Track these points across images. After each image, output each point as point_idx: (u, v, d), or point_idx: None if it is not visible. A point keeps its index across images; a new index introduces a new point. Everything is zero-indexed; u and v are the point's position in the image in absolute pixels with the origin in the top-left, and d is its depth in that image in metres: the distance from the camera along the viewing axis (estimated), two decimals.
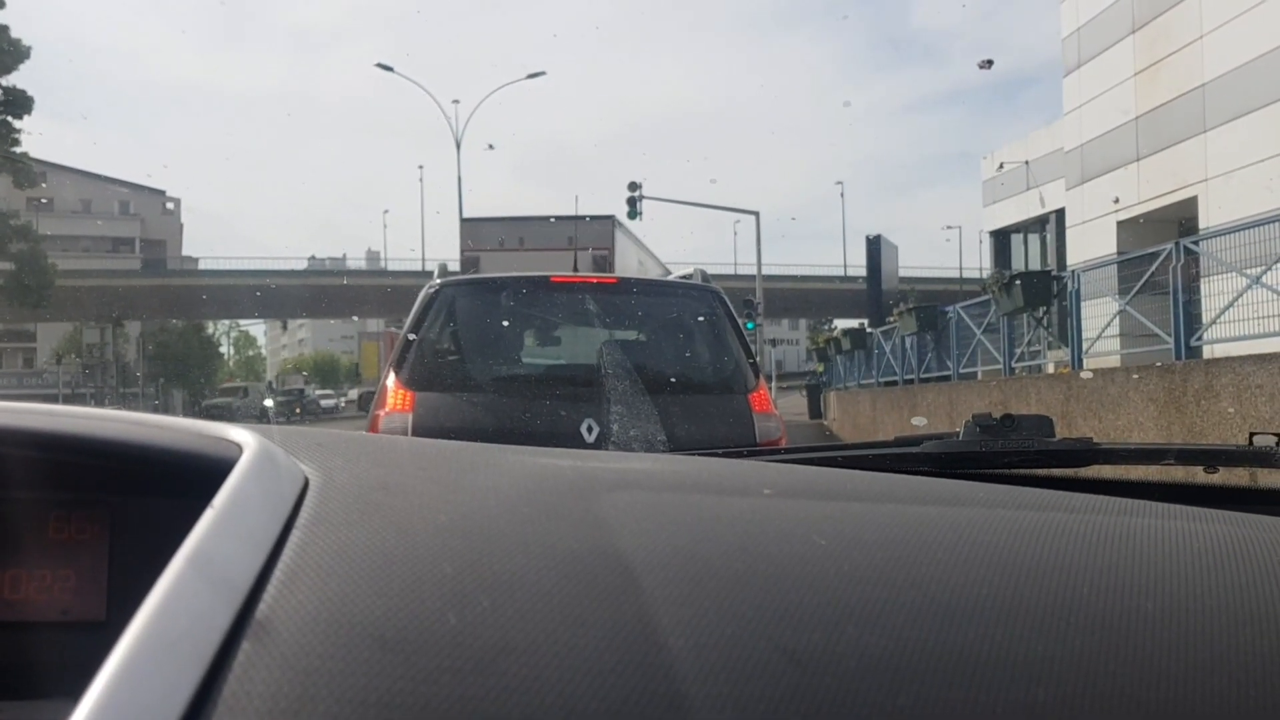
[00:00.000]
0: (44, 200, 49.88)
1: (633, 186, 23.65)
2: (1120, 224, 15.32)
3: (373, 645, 0.40)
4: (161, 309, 49.57)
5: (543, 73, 46.42)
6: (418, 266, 49.30)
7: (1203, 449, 1.16)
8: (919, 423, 12.66)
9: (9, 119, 29.45)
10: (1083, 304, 10.76)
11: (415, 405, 3.66)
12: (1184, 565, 0.54)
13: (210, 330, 62.17)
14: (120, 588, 0.66)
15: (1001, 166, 22.54)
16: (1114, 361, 10.31)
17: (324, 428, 0.81)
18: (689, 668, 0.41)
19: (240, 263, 57.28)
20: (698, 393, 4.04)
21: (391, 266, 61.18)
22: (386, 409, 3.70)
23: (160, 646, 0.38)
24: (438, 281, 4.17)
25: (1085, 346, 10.61)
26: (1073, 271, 11.87)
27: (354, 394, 43.92)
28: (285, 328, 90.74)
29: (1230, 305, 8.36)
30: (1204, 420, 7.24)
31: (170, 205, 65.79)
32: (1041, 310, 11.94)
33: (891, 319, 17.54)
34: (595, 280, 4.54)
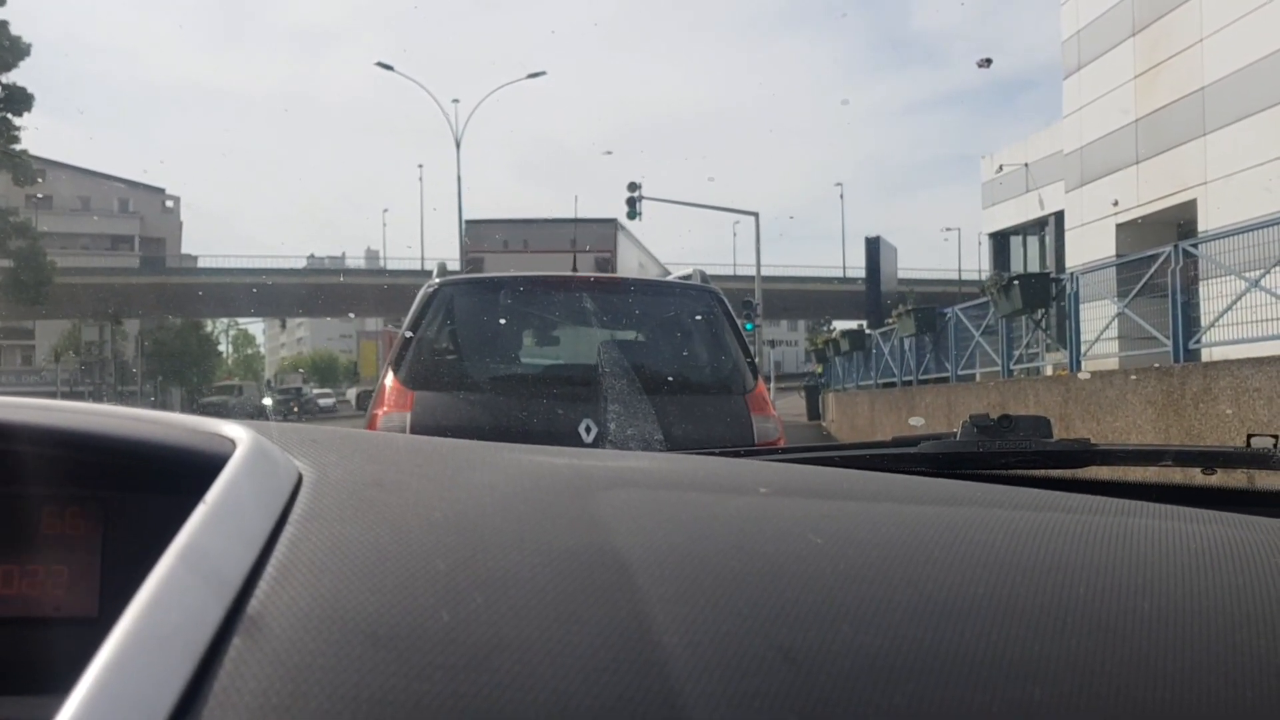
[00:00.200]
0: (42, 197, 49.86)
1: (632, 187, 23.67)
2: (1119, 226, 15.33)
3: (365, 641, 0.40)
4: (160, 307, 49.58)
5: (543, 72, 46.51)
6: (417, 265, 49.38)
7: (1200, 451, 1.16)
8: (917, 423, 12.67)
9: (8, 116, 29.45)
10: (1081, 306, 10.77)
11: (414, 404, 3.65)
12: (1181, 566, 0.54)
13: (209, 328, 62.18)
14: (113, 583, 0.65)
15: (1001, 168, 22.56)
16: (1112, 364, 10.32)
17: (321, 425, 0.81)
18: (684, 665, 0.41)
19: (239, 261, 57.46)
20: (695, 393, 4.03)
21: (390, 265, 61.30)
22: (385, 408, 3.69)
23: (151, 642, 0.38)
24: (436, 281, 4.16)
25: (1084, 349, 10.62)
26: (1071, 274, 11.89)
27: (352, 393, 44.00)
28: (284, 326, 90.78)
29: (1229, 308, 8.37)
30: (1202, 422, 7.25)
31: (169, 203, 65.83)
32: (1040, 312, 11.95)
33: (890, 320, 17.55)
34: (594, 280, 4.54)
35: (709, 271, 4.91)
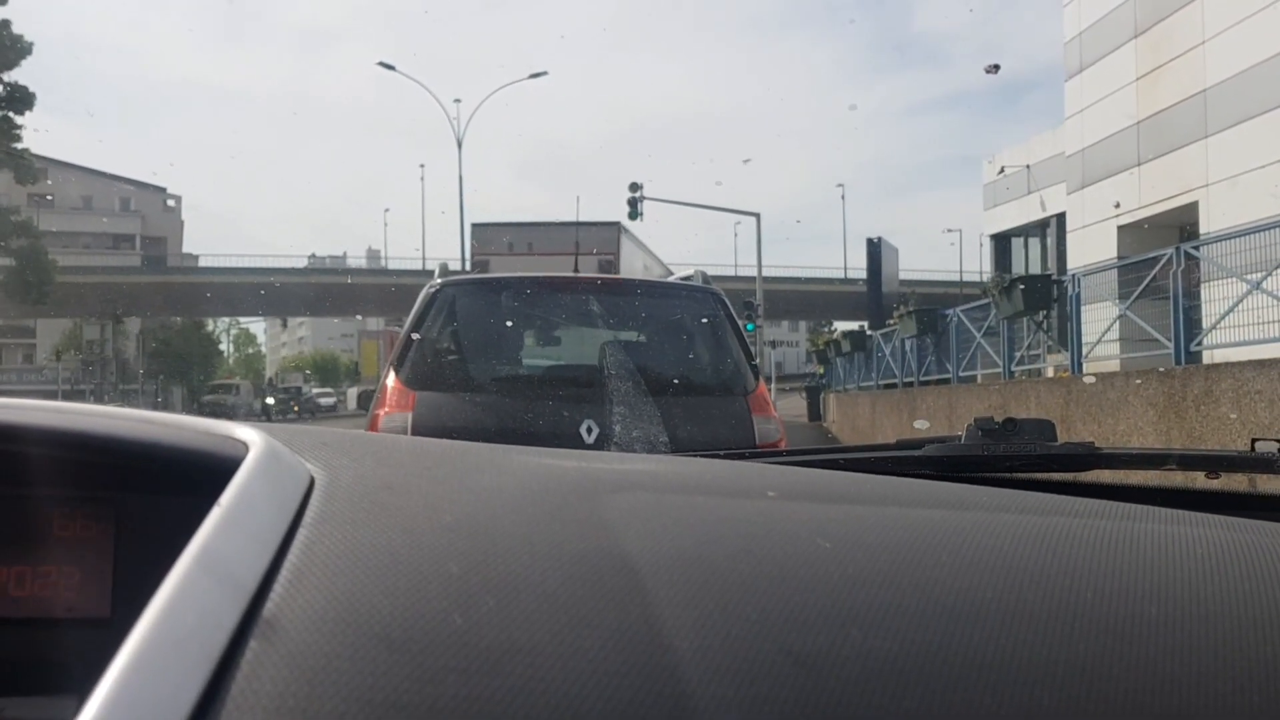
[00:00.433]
0: (47, 197, 49.91)
1: (634, 187, 23.66)
2: (1121, 229, 15.32)
3: (379, 645, 0.40)
4: (162, 306, 49.63)
5: (544, 72, 46.47)
6: (418, 265, 49.37)
7: (1204, 454, 1.16)
8: (921, 426, 12.66)
9: (10, 114, 29.46)
10: (1083, 308, 10.76)
11: (415, 404, 3.66)
12: (1186, 570, 0.55)
13: (210, 328, 62.22)
14: (125, 585, 0.66)
15: (1003, 170, 22.54)
16: (1114, 366, 10.31)
17: (323, 426, 0.81)
18: (694, 669, 0.41)
19: (241, 260, 57.43)
20: (697, 394, 4.03)
21: (392, 265, 61.28)
22: (386, 408, 3.70)
23: (168, 644, 0.38)
24: (438, 281, 4.16)
25: (1085, 351, 10.61)
26: (1073, 276, 11.87)
27: (353, 392, 44.07)
28: (285, 326, 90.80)
29: (1230, 310, 8.37)
30: (1204, 425, 7.24)
31: (171, 202, 65.85)
32: (1041, 314, 11.94)
33: (892, 321, 17.54)
34: (595, 281, 4.54)
35: (710, 272, 4.91)
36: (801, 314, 66.25)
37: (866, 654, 0.43)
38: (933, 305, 16.58)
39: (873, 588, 0.49)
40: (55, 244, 39.40)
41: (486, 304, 4.29)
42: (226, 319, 71.30)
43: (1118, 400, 8.44)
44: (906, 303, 17.41)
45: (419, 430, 3.55)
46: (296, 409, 46.06)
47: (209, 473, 0.55)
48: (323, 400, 54.85)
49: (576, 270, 5.08)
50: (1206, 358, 8.66)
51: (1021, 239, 22.54)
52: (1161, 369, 8.27)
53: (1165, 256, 9.05)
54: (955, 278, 52.02)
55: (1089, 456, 1.13)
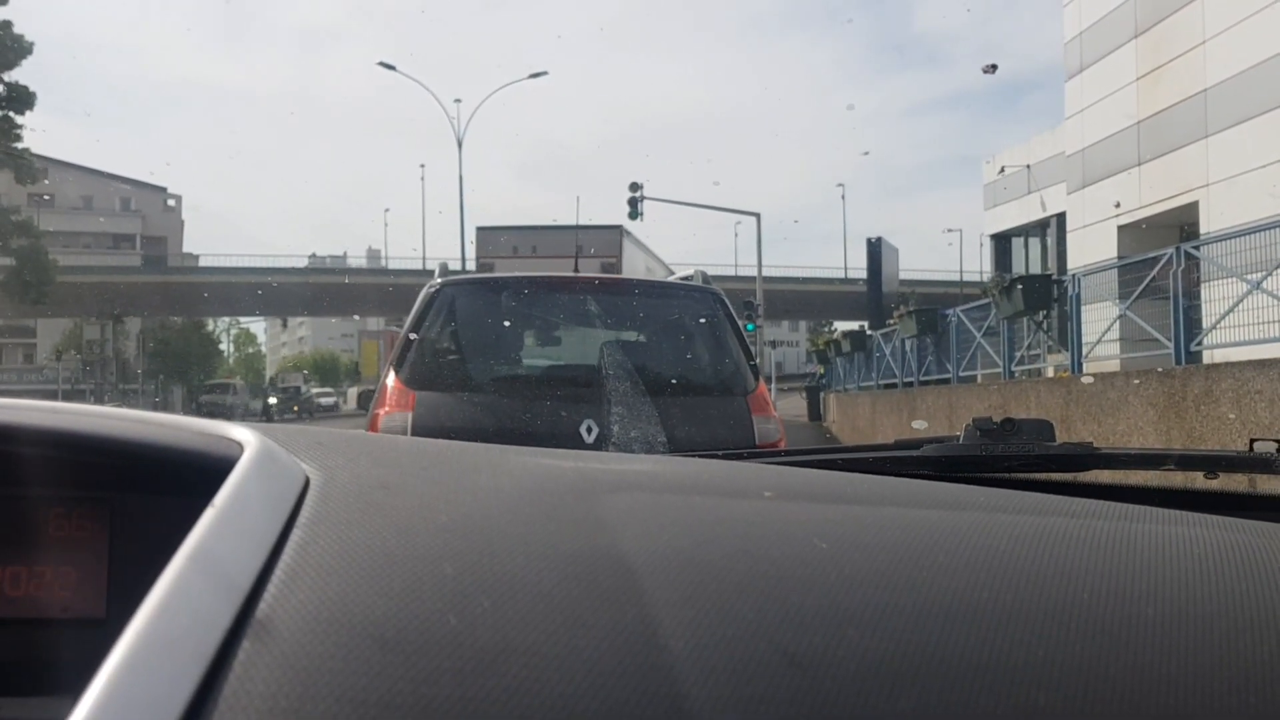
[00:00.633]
0: (46, 196, 49.93)
1: (634, 187, 23.67)
2: (1121, 228, 15.32)
3: (373, 645, 0.40)
4: (162, 306, 49.67)
5: (545, 73, 46.42)
6: (418, 265, 49.39)
7: (1203, 454, 1.16)
8: (920, 426, 12.67)
9: (10, 114, 29.47)
10: (1083, 308, 10.77)
11: (415, 404, 3.66)
12: (1184, 571, 0.54)
13: (210, 327, 62.28)
14: (120, 585, 0.66)
15: (1003, 170, 22.55)
16: (1114, 366, 10.31)
17: (322, 426, 0.81)
18: (690, 670, 0.41)
19: (241, 260, 57.45)
20: (697, 394, 4.03)
21: (392, 265, 61.31)
22: (386, 408, 3.70)
23: (161, 645, 0.38)
24: (438, 281, 4.16)
25: (1085, 351, 10.62)
26: (1073, 276, 11.88)
27: (353, 392, 44.18)
28: (285, 326, 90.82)
29: (1230, 310, 8.37)
30: (1204, 425, 7.24)
31: (171, 202, 65.91)
32: (1041, 314, 11.95)
33: (892, 321, 17.54)
34: (595, 281, 4.54)
35: (710, 272, 4.91)
36: (801, 314, 66.29)
37: (863, 654, 0.43)
38: (933, 305, 16.58)
39: (869, 588, 0.49)
40: (55, 244, 39.41)
41: (486, 304, 4.29)
42: (226, 319, 71.42)
43: (1117, 400, 8.44)
44: (906, 303, 17.42)
45: (419, 430, 3.55)
46: (296, 409, 46.17)
47: (204, 473, 0.55)
48: (323, 400, 54.95)
49: (576, 269, 5.08)
50: (1206, 358, 8.66)
51: (1022, 239, 22.55)
52: (1161, 369, 8.28)
53: (1165, 256, 9.05)
54: (955, 278, 52.04)
55: (1088, 457, 1.13)
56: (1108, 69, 15.79)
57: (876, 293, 25.57)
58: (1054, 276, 13.12)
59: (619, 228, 14.07)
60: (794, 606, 0.46)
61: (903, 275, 31.45)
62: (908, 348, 16.51)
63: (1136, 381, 8.22)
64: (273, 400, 45.17)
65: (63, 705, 0.49)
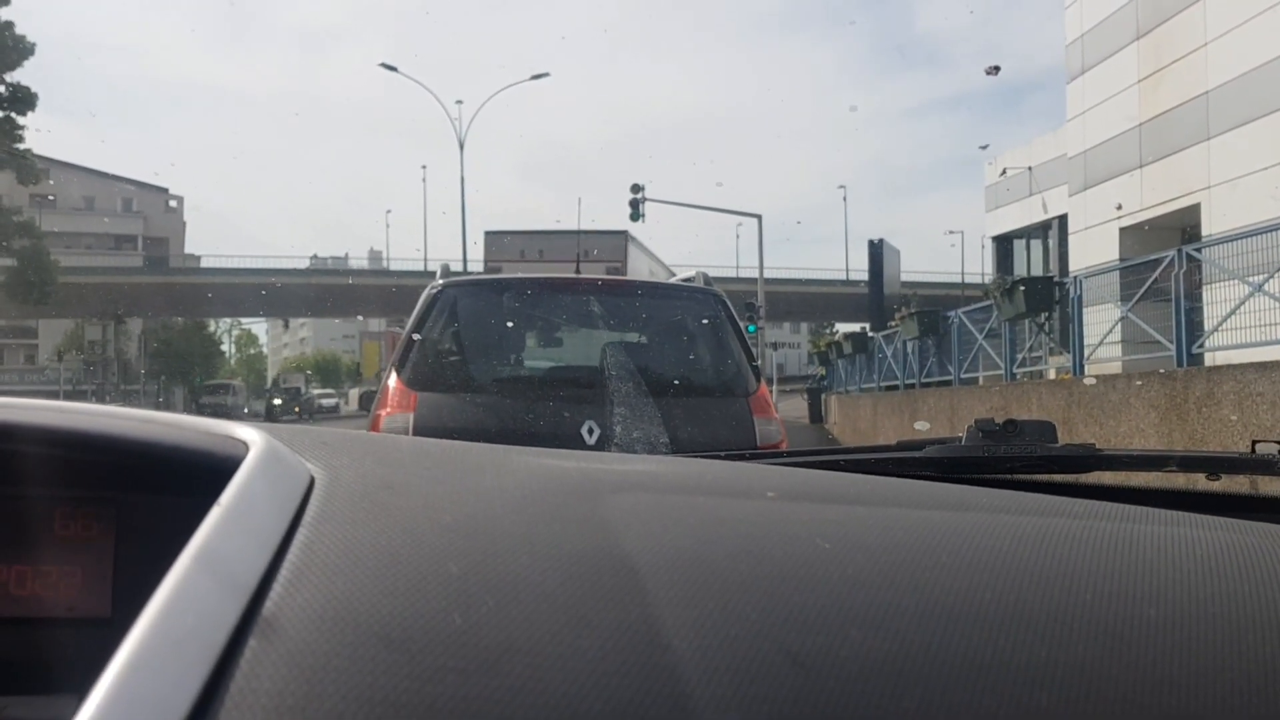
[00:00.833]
0: (49, 197, 49.97)
1: (635, 189, 23.68)
2: (1123, 230, 15.31)
3: (378, 644, 0.40)
4: (164, 307, 49.69)
5: (546, 74, 46.51)
6: (420, 266, 49.40)
7: (1205, 456, 1.16)
8: (922, 427, 12.66)
9: (13, 115, 29.48)
10: (1084, 310, 10.76)
11: (417, 405, 3.66)
12: (1186, 572, 0.55)
13: (212, 328, 62.31)
14: (125, 584, 0.66)
15: (1004, 172, 22.54)
16: (1115, 368, 10.31)
17: (329, 427, 0.81)
18: (693, 670, 0.41)
19: (243, 261, 57.48)
20: (698, 395, 4.03)
21: (394, 266, 61.33)
22: (388, 409, 3.70)
23: (167, 643, 0.38)
24: (440, 282, 4.17)
25: (1087, 353, 10.61)
26: (1075, 277, 11.87)
27: (354, 393, 44.23)
28: (287, 326, 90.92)
29: (1232, 313, 8.36)
30: (1205, 427, 7.24)
31: (173, 203, 65.96)
32: (1043, 316, 11.94)
33: (893, 323, 17.53)
34: (596, 282, 4.54)
35: (712, 273, 4.90)
36: (803, 315, 66.24)
37: (866, 655, 0.43)
38: (934, 307, 16.57)
39: (872, 588, 0.49)
40: (57, 244, 39.43)
41: (488, 305, 4.29)
42: (228, 320, 71.47)
43: (1119, 402, 8.43)
44: (908, 304, 17.41)
45: (420, 431, 3.55)
46: (297, 410, 46.23)
47: (209, 472, 0.55)
48: (324, 401, 55.01)
49: (578, 270, 5.08)
50: (1208, 360, 8.66)
51: (1023, 241, 22.54)
52: (1163, 371, 8.27)
53: (1167, 258, 9.05)
54: (957, 279, 52.02)
55: (1090, 458, 1.13)
56: (1109, 71, 15.78)
57: (878, 294, 25.54)
58: (1055, 278, 13.12)
59: (624, 233, 14.19)
60: (797, 607, 0.47)
61: (904, 277, 31.42)
62: (909, 349, 16.50)
63: (1138, 383, 8.22)
64: (278, 401, 45.34)
65: (68, 704, 0.49)
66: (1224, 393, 7.06)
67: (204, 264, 58.47)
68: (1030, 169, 21.53)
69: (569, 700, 0.39)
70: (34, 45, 29.42)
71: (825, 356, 25.72)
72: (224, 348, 73.45)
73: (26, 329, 58.27)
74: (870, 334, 21.44)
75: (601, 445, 3.54)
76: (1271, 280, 7.94)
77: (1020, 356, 12.61)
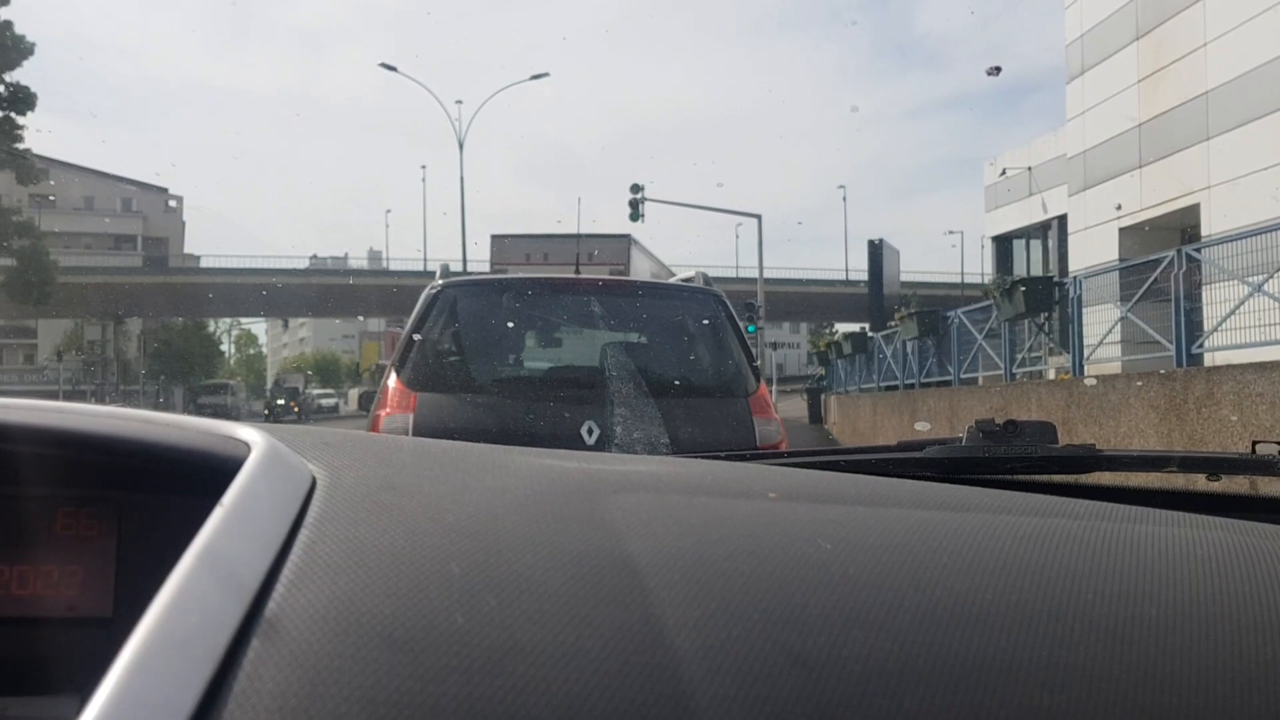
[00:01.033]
0: (49, 197, 49.97)
1: (635, 189, 23.67)
2: (1123, 230, 15.32)
3: (381, 644, 0.40)
4: (164, 307, 49.67)
5: (546, 74, 46.49)
6: (420, 266, 49.39)
7: (1205, 456, 1.16)
8: (922, 428, 12.66)
9: (12, 115, 29.47)
10: (1084, 310, 10.76)
11: (416, 405, 3.66)
12: (1186, 572, 0.55)
13: (211, 328, 62.31)
14: (127, 585, 0.66)
15: (1004, 172, 22.54)
16: (1115, 368, 10.31)
17: (330, 428, 0.81)
18: (695, 670, 0.41)
19: (242, 261, 57.45)
20: (697, 396, 4.03)
21: (394, 266, 61.35)
22: (388, 409, 3.70)
23: (171, 644, 0.38)
24: (440, 282, 4.16)
25: (1086, 353, 10.61)
26: (1074, 278, 11.87)
27: (354, 393, 44.29)
28: (286, 326, 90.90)
29: (1232, 313, 8.36)
30: (1205, 428, 7.24)
31: (172, 203, 65.94)
32: (1043, 316, 11.94)
33: (893, 323, 17.53)
34: (597, 282, 4.54)
35: (712, 273, 4.90)
36: (803, 315, 66.23)
37: (867, 655, 0.43)
38: (934, 307, 16.56)
39: (874, 588, 0.49)
40: (57, 244, 39.41)
41: (488, 305, 4.29)
42: (228, 320, 71.45)
43: (1119, 402, 8.44)
44: (908, 304, 17.41)
45: (420, 431, 3.55)
46: (297, 409, 46.23)
47: (211, 473, 0.55)
48: (324, 401, 55.01)
49: (578, 270, 5.07)
50: (1208, 360, 8.65)
51: (1023, 241, 22.54)
52: (1163, 371, 8.27)
53: (1167, 259, 9.05)
54: (956, 280, 52.03)
55: (1090, 458, 1.13)
56: (1109, 71, 15.79)
57: (878, 294, 25.53)
58: (1055, 279, 13.11)
59: (627, 237, 14.33)
60: (799, 607, 0.47)
61: (904, 277, 31.41)
62: (909, 349, 16.49)
63: (1138, 384, 8.22)
64: (281, 401, 45.40)
65: (69, 704, 0.49)
66: (1223, 393, 7.07)
67: (203, 264, 58.47)
68: (1030, 169, 21.54)
69: (571, 700, 0.39)
70: (34, 45, 29.42)
71: (825, 356, 25.73)
72: (224, 348, 73.48)
73: (26, 329, 58.25)
74: (870, 334, 21.42)
75: (601, 445, 3.54)
76: (1271, 280, 7.94)
77: (1020, 357, 12.61)
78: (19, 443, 0.60)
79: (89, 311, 44.60)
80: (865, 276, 28.52)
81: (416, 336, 3.90)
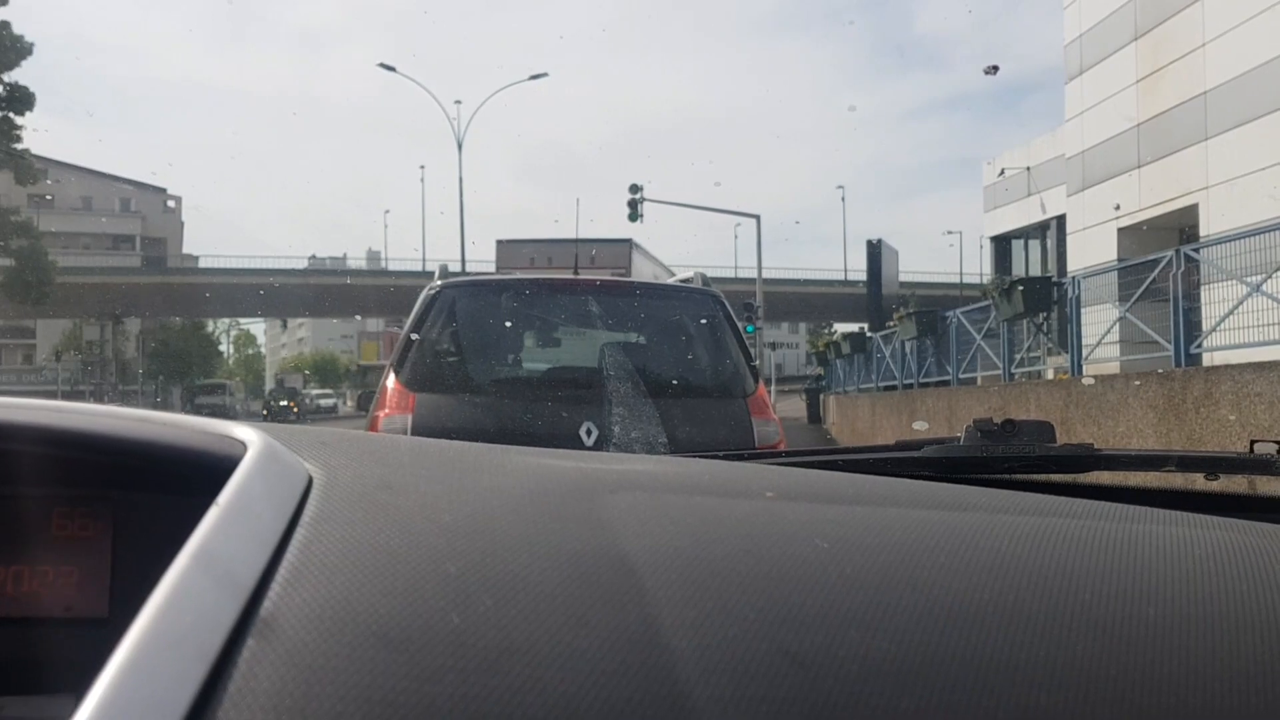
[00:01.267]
0: (47, 197, 49.93)
1: (634, 189, 23.68)
2: (1121, 231, 15.33)
3: (376, 644, 0.40)
4: (162, 307, 49.66)
5: (545, 74, 46.41)
6: (418, 267, 49.38)
7: (1203, 456, 1.16)
8: (920, 427, 12.67)
9: (11, 115, 29.45)
10: (1083, 310, 10.77)
11: (415, 406, 3.66)
12: (1185, 571, 0.55)
13: (210, 328, 62.28)
14: (123, 584, 0.66)
15: (1003, 172, 22.54)
16: (1113, 368, 10.32)
17: (327, 427, 0.81)
18: (691, 669, 0.41)
19: (241, 261, 57.40)
20: (696, 396, 4.03)
21: (392, 266, 61.31)
22: (386, 409, 3.69)
23: (165, 643, 0.38)
24: (438, 283, 4.16)
25: (1085, 353, 10.62)
26: (1073, 278, 11.88)
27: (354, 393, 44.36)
28: (285, 326, 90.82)
29: (1230, 313, 8.37)
30: (1203, 427, 7.24)
31: (171, 203, 65.92)
32: (1041, 316, 11.95)
33: (891, 323, 17.54)
34: (595, 282, 4.54)
35: (710, 273, 4.90)
36: (801, 316, 66.23)
37: (864, 654, 0.43)
38: (932, 307, 16.57)
39: (871, 588, 0.49)
40: (55, 244, 39.41)
41: (486, 306, 4.29)
42: (226, 320, 71.41)
43: (1117, 402, 8.44)
44: (906, 305, 17.41)
45: (418, 431, 3.55)
46: (296, 409, 46.26)
47: (207, 472, 0.55)
48: (323, 401, 55.04)
49: (576, 271, 5.07)
50: (1206, 360, 8.66)
51: (1022, 241, 22.55)
52: (1161, 371, 8.28)
53: (1165, 259, 9.05)
54: (955, 280, 52.03)
55: (1088, 458, 1.13)
56: (1108, 71, 15.80)
57: (876, 294, 25.56)
58: (1054, 279, 13.12)
59: (629, 240, 14.47)
60: (796, 606, 0.47)
61: (903, 277, 31.45)
62: (907, 349, 16.50)
63: (1136, 383, 8.22)
64: (283, 402, 45.49)
65: (65, 704, 0.49)
66: (1222, 393, 7.07)
67: (202, 264, 58.44)
68: (1029, 169, 21.55)
69: (568, 700, 0.39)
70: (32, 45, 29.41)
71: (823, 357, 25.75)
72: (222, 348, 73.46)
73: (24, 329, 58.24)
74: (868, 334, 21.44)
75: (600, 446, 3.54)
76: (1269, 280, 7.94)
77: (1018, 357, 12.62)
78: (14, 442, 0.60)
79: (87, 311, 44.60)
80: (864, 277, 28.56)
81: (415, 337, 3.90)
